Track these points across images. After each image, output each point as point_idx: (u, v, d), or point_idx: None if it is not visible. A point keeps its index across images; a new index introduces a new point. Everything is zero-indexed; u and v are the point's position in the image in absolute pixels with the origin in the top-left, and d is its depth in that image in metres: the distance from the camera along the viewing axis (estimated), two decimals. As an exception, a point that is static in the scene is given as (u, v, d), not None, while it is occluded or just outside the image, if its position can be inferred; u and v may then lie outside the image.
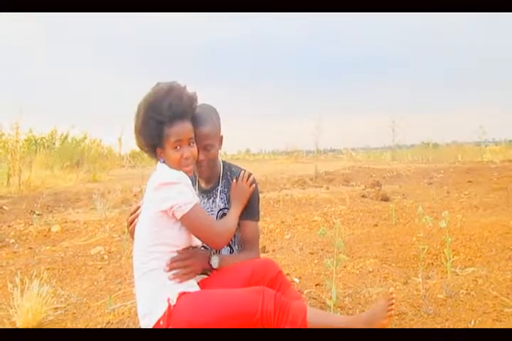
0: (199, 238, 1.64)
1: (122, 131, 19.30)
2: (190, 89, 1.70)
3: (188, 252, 1.66)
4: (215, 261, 1.73)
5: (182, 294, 1.54)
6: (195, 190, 1.96)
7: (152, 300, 1.55)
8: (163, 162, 1.66)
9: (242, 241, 1.91)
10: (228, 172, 1.95)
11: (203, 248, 1.82)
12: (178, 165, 1.62)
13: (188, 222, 1.58)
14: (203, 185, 1.95)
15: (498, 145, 19.59)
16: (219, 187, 1.93)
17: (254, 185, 1.86)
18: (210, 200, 1.93)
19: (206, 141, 1.76)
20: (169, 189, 1.55)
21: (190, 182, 1.64)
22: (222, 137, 1.92)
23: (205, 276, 1.77)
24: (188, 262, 1.64)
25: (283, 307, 1.50)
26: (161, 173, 1.62)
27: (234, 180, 1.89)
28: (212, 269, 1.73)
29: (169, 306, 1.51)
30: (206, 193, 1.94)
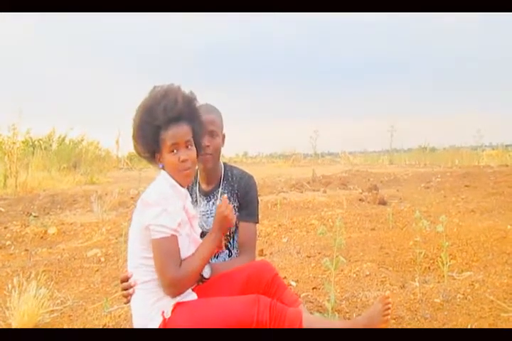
0: None
1: (120, 133, 19.30)
2: (186, 89, 1.66)
3: None
4: (206, 271, 1.70)
5: (177, 305, 1.52)
6: (196, 192, 1.96)
7: (147, 313, 1.52)
8: (163, 167, 1.63)
9: (239, 243, 1.91)
10: (229, 174, 1.96)
11: None
12: (176, 169, 1.59)
13: (153, 250, 1.51)
14: (203, 186, 1.96)
15: (495, 150, 19.66)
16: (220, 189, 1.93)
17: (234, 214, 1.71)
18: (210, 202, 1.93)
19: (211, 126, 1.81)
20: (150, 208, 1.52)
21: (175, 204, 1.55)
22: (224, 135, 1.95)
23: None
24: None
25: (278, 316, 1.48)
26: (152, 188, 1.59)
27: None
28: (204, 279, 1.72)
29: (164, 319, 1.49)
30: (206, 195, 1.95)
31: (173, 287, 1.48)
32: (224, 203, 1.66)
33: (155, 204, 1.51)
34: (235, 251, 1.94)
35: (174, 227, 1.51)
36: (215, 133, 1.86)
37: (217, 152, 1.90)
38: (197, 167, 1.83)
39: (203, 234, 1.76)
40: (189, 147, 1.61)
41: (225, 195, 1.75)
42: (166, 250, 1.49)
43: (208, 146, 1.82)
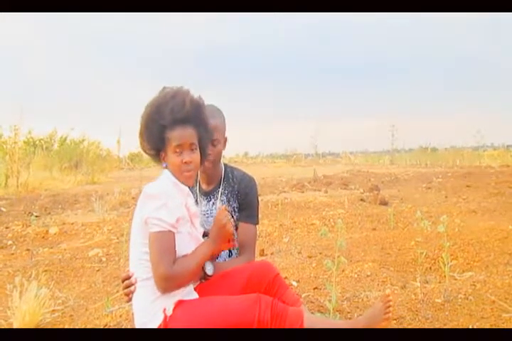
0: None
1: (121, 133, 19.34)
2: (194, 93, 1.67)
3: None
4: (209, 268, 1.71)
5: (179, 303, 1.52)
6: (197, 192, 1.96)
7: (148, 310, 1.53)
8: (166, 167, 1.65)
9: (239, 244, 1.91)
10: (230, 175, 1.96)
11: None
12: (178, 170, 1.61)
13: (149, 243, 1.51)
14: (204, 186, 1.96)
15: (496, 150, 19.67)
16: (220, 189, 1.94)
17: (231, 221, 1.69)
18: (210, 202, 1.94)
19: (214, 134, 1.79)
20: (150, 201, 1.53)
21: (175, 200, 1.56)
22: (226, 138, 1.95)
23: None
24: None
25: (279, 315, 1.49)
26: (154, 183, 1.61)
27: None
28: (207, 276, 1.72)
29: (165, 317, 1.49)
30: (207, 195, 1.95)
31: (164, 282, 1.48)
32: (223, 212, 1.66)
33: (155, 198, 1.52)
34: (235, 251, 1.94)
35: (172, 222, 1.51)
36: (217, 142, 1.86)
37: (217, 157, 1.90)
38: None
39: (203, 234, 1.76)
40: (193, 150, 1.62)
41: (224, 205, 1.74)
42: (161, 244, 1.49)
43: (210, 154, 1.82)
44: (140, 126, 1.65)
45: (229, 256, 1.94)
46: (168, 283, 1.48)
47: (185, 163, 1.59)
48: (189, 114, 1.61)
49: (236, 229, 1.91)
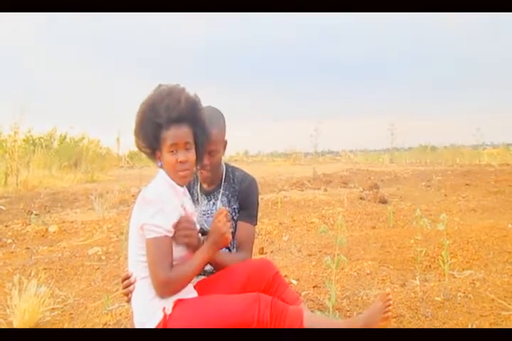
0: None
1: (120, 131, 19.30)
2: (190, 91, 1.65)
3: (192, 223, 1.63)
4: None
5: (178, 302, 1.52)
6: (197, 191, 1.95)
7: (147, 309, 1.53)
8: (161, 166, 1.63)
9: (237, 243, 1.91)
10: (231, 175, 1.95)
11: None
12: (173, 170, 1.59)
13: (146, 249, 1.52)
14: (204, 186, 1.95)
15: (496, 149, 19.68)
16: (221, 190, 1.92)
17: (230, 228, 1.68)
18: (211, 202, 1.93)
19: (212, 146, 1.76)
20: (146, 207, 1.52)
21: (172, 203, 1.56)
22: (226, 142, 1.91)
23: (202, 277, 1.77)
24: (189, 232, 1.60)
25: (279, 315, 1.49)
26: (150, 187, 1.60)
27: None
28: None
29: (165, 316, 1.49)
30: (207, 195, 1.94)
31: (162, 288, 1.49)
32: (222, 220, 1.64)
33: (152, 204, 1.52)
34: (235, 250, 1.94)
35: (168, 228, 1.51)
36: (216, 152, 1.82)
37: (216, 166, 1.87)
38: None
39: (202, 233, 1.76)
40: (188, 149, 1.60)
41: (226, 211, 1.70)
42: (158, 250, 1.49)
43: (207, 165, 1.80)
44: (135, 125, 1.63)
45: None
46: (166, 289, 1.49)
47: (180, 162, 1.57)
48: (184, 111, 1.58)
49: (235, 229, 1.91)
